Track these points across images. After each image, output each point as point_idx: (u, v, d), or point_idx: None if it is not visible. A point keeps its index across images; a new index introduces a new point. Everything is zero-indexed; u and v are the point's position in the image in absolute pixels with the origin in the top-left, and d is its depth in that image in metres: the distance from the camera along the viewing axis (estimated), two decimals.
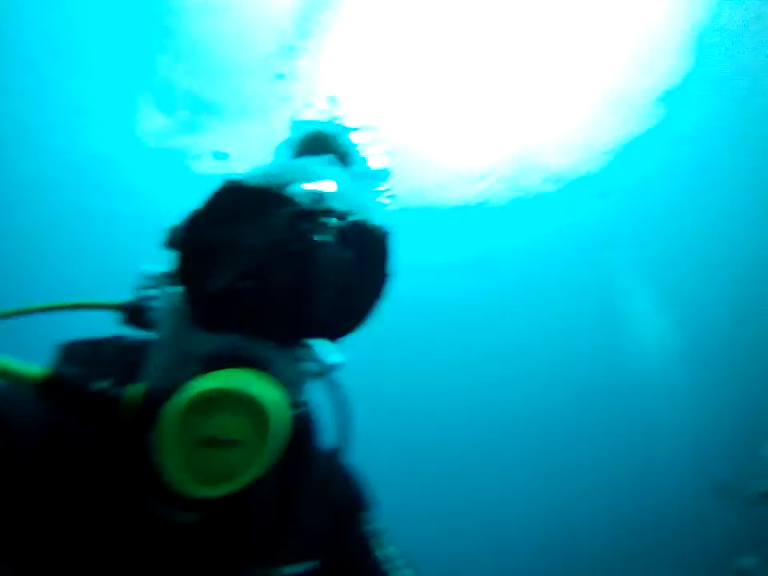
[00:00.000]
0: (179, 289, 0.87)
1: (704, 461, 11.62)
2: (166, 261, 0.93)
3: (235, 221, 0.88)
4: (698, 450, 12.00)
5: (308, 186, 0.89)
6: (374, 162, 1.15)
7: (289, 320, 0.84)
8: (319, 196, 0.88)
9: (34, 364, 0.82)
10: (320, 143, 1.08)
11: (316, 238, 0.86)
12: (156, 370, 0.89)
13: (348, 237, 0.89)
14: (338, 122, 1.19)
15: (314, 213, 0.86)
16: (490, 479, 13.94)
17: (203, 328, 0.84)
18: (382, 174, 1.21)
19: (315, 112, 1.24)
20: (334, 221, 0.87)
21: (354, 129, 1.14)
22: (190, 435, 0.74)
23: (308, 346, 0.89)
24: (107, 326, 1.11)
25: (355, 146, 1.10)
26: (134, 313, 1.07)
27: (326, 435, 1.05)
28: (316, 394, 1.00)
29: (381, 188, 1.23)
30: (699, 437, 11.99)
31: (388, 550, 1.10)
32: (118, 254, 8.00)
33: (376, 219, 0.91)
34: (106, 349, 1.00)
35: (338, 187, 0.93)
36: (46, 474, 0.87)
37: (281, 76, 7.19)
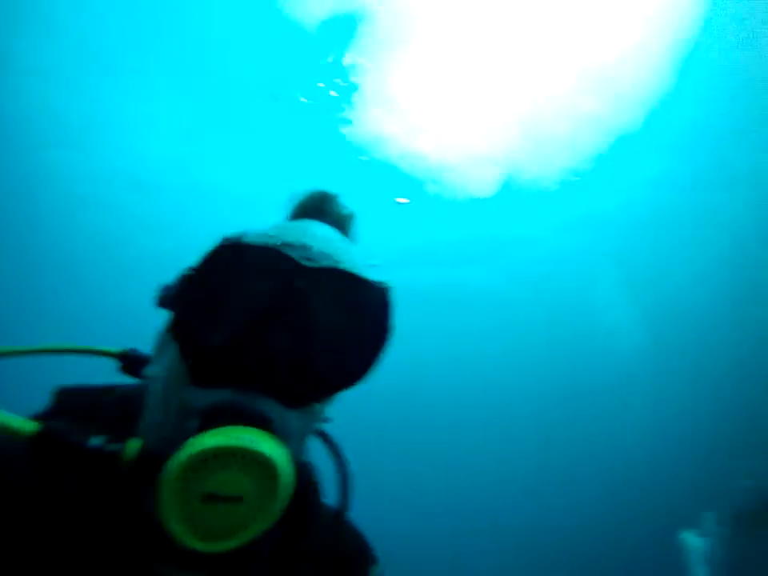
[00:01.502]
0: (174, 344, 0.87)
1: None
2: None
3: (232, 278, 0.87)
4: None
5: (306, 245, 0.88)
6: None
7: (287, 376, 0.84)
8: (317, 254, 0.87)
9: (25, 418, 0.81)
10: (319, 207, 1.07)
11: (313, 294, 0.86)
12: (153, 424, 0.88)
13: (346, 293, 0.88)
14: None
15: (311, 270, 0.86)
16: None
17: (199, 384, 0.83)
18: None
19: None
20: (331, 277, 0.87)
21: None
22: (193, 492, 0.74)
23: (307, 403, 0.88)
24: (104, 371, 1.10)
25: (351, 210, 1.09)
26: (131, 362, 1.06)
27: (328, 492, 1.04)
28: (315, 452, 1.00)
29: None
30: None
31: None
32: None
33: (374, 276, 0.91)
34: (100, 398, 0.99)
35: (336, 246, 0.93)
36: (40, 532, 0.86)
37: None
